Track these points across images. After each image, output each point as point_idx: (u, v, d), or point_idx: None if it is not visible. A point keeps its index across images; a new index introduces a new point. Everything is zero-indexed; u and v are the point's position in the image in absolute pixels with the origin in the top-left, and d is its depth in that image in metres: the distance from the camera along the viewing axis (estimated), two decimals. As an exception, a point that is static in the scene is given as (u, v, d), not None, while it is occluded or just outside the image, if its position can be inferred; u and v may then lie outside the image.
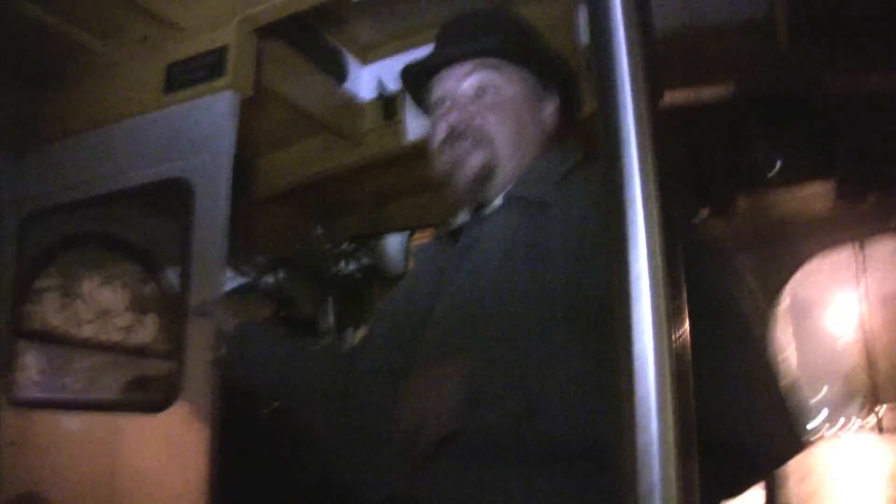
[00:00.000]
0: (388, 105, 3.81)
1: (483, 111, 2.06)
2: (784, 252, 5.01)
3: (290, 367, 2.33)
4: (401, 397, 1.84)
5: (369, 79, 3.86)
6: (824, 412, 5.90)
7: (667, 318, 0.86)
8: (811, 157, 3.96)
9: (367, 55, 3.91)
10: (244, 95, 3.00)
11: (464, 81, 2.10)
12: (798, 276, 5.07)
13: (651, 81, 0.93)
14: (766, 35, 3.35)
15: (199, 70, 3.05)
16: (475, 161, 2.03)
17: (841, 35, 3.36)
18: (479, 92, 2.09)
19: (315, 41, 3.61)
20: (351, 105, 3.83)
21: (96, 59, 3.36)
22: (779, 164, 3.99)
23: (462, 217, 2.16)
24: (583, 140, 2.10)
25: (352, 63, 3.87)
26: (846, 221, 4.60)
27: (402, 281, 2.35)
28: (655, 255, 0.87)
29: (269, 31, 3.17)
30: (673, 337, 0.86)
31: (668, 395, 0.84)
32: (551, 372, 1.69)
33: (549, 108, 2.16)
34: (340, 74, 3.81)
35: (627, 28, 0.94)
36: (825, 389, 6.32)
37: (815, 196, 4.24)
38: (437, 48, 2.22)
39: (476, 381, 1.75)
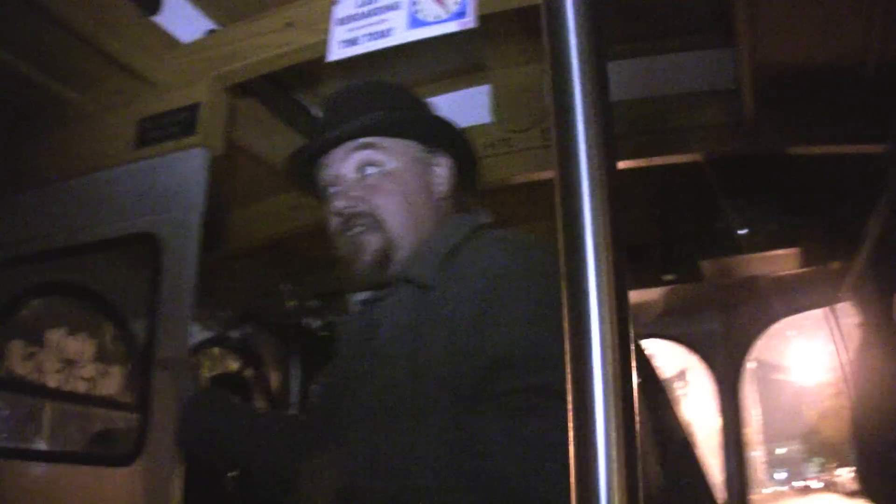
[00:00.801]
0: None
1: (368, 193, 2.06)
2: (750, 315, 5.06)
3: (241, 438, 2.33)
4: (296, 484, 1.88)
5: (299, 147, 3.90)
6: (783, 472, 5.95)
7: (620, 380, 0.88)
8: (778, 223, 4.01)
9: (337, 113, 3.95)
10: (215, 153, 3.01)
11: (344, 164, 2.10)
12: (763, 339, 5.12)
13: (608, 149, 0.95)
14: (733, 103, 3.41)
15: (171, 126, 3.05)
16: (370, 246, 2.04)
17: (806, 103, 3.41)
18: (362, 172, 2.09)
19: (285, 98, 3.63)
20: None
21: (69, 109, 3.36)
22: (746, 231, 4.03)
23: (362, 294, 2.17)
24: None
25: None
26: (812, 286, 4.65)
27: (334, 354, 2.35)
28: (609, 316, 0.89)
29: (242, 89, 3.19)
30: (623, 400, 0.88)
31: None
32: (420, 461, 1.71)
33: (441, 174, 2.15)
34: (310, 132, 3.83)
35: (585, 96, 0.96)
36: (785, 449, 6.38)
37: (781, 261, 4.29)
38: (318, 132, 2.23)
39: (353, 471, 1.80)
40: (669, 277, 4.57)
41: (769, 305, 4.96)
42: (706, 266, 4.30)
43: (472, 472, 1.61)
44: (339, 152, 2.10)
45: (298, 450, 2.19)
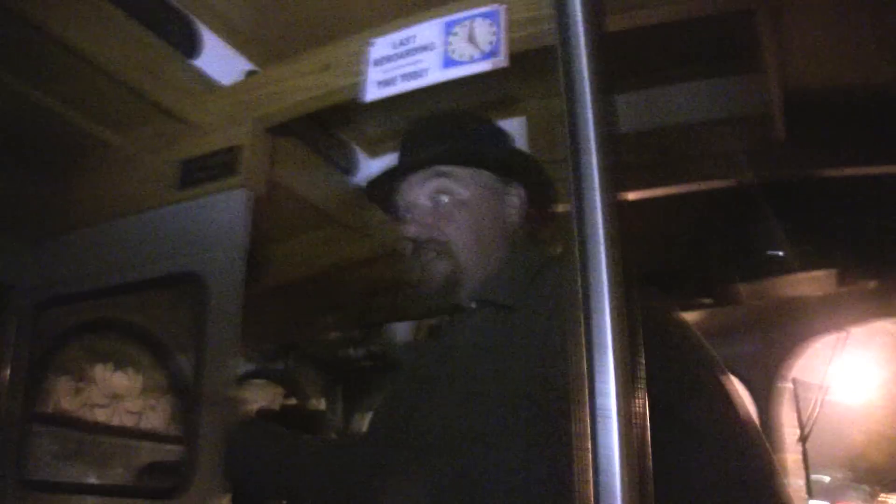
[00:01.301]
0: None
1: (440, 220, 2.09)
2: (785, 336, 5.05)
3: (290, 466, 2.35)
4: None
5: (378, 172, 3.95)
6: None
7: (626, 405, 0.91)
8: (811, 245, 4.02)
9: (376, 149, 4.00)
10: (257, 193, 3.06)
11: (420, 191, 2.14)
12: (801, 360, 5.10)
13: (614, 181, 0.99)
14: (763, 127, 3.43)
15: (213, 168, 3.11)
16: (439, 272, 2.06)
17: (836, 126, 3.43)
18: (436, 200, 2.12)
19: (325, 137, 3.69)
20: (359, 198, 3.89)
21: (112, 152, 3.44)
22: (781, 253, 4.05)
23: (439, 318, 2.19)
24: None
25: (360, 156, 3.95)
26: (850, 304, 4.64)
27: (394, 379, 2.36)
28: (620, 341, 0.93)
29: (282, 128, 3.25)
30: (633, 423, 0.91)
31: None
32: (509, 481, 1.72)
33: (513, 204, 2.17)
34: (350, 168, 3.89)
35: (596, 127, 1.00)
36: (828, 477, 6.28)
37: (815, 282, 4.29)
38: (399, 158, 2.27)
39: (441, 493, 1.80)
40: (706, 301, 4.59)
41: (806, 325, 4.95)
42: (742, 289, 4.31)
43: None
44: (414, 179, 2.16)
45: (350, 475, 2.19)
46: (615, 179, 1.00)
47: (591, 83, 1.04)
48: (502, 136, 2.30)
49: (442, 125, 2.25)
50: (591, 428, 0.93)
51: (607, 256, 0.96)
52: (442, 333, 2.12)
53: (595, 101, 1.03)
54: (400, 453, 2.01)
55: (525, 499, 1.70)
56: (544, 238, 2.21)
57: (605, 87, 1.04)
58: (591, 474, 0.91)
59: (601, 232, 0.97)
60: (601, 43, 1.07)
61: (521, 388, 1.77)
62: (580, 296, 0.96)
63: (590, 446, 0.92)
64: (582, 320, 0.95)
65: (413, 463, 1.93)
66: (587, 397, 0.94)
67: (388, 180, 2.23)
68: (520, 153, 2.24)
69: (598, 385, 0.93)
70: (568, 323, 1.72)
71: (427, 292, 2.08)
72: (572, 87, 1.05)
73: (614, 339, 0.95)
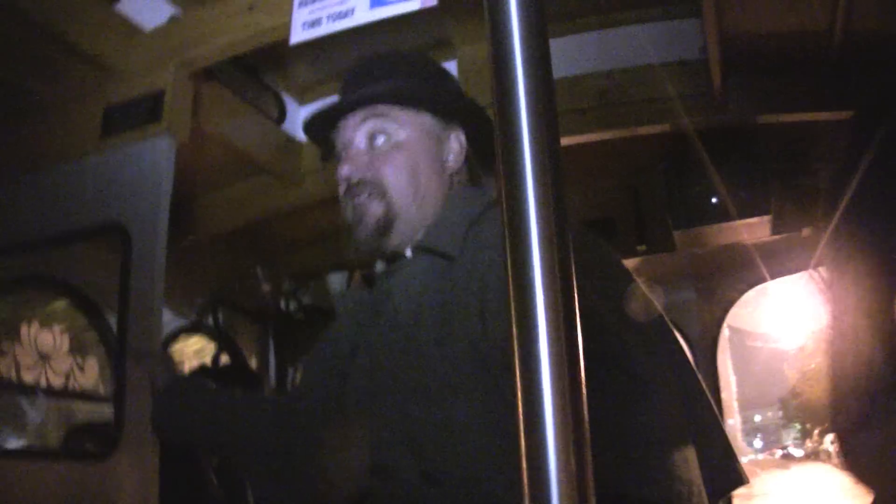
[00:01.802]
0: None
1: (376, 161, 2.02)
2: (723, 284, 5.08)
3: (223, 420, 2.29)
4: (312, 459, 1.85)
5: (316, 109, 3.89)
6: (759, 439, 5.98)
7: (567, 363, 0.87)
8: (746, 193, 4.02)
9: (305, 96, 3.93)
10: (181, 140, 2.99)
11: (357, 131, 2.05)
12: (735, 308, 5.15)
13: (550, 123, 0.94)
14: (701, 74, 3.41)
15: (136, 114, 3.03)
16: (372, 213, 1.98)
17: (774, 73, 3.42)
18: (372, 141, 2.05)
19: (253, 82, 3.61)
20: (289, 146, 3.84)
21: (33, 100, 3.33)
22: (716, 200, 4.05)
23: (378, 266, 2.15)
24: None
25: (290, 104, 3.88)
26: (784, 253, 4.67)
27: (327, 328, 2.33)
28: (551, 297, 0.88)
29: (207, 74, 3.17)
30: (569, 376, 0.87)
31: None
32: (455, 436, 1.70)
33: (453, 149, 2.09)
34: (279, 115, 3.82)
35: (527, 71, 0.95)
36: (760, 416, 6.40)
37: (752, 229, 4.30)
38: (338, 97, 2.20)
39: (380, 446, 1.78)
40: (643, 248, 4.59)
41: (743, 273, 4.98)
42: (679, 236, 4.31)
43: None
44: (352, 119, 2.05)
45: (282, 430, 2.17)
46: (546, 126, 0.94)
47: (520, 25, 0.97)
48: (446, 78, 2.21)
49: (384, 64, 2.17)
50: (520, 376, 0.87)
51: (537, 210, 0.90)
52: (378, 282, 2.07)
53: (523, 44, 0.96)
54: (334, 406, 1.97)
55: (470, 455, 1.67)
56: (486, 184, 2.16)
57: (536, 30, 0.97)
58: (521, 430, 0.86)
59: (530, 185, 0.91)
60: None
61: (461, 341, 1.74)
62: (507, 252, 0.91)
63: (519, 395, 0.86)
64: (510, 277, 0.90)
65: (349, 417, 1.90)
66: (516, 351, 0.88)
67: (327, 119, 2.16)
68: (461, 95, 2.17)
69: (529, 335, 0.88)
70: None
71: (359, 234, 2.03)
72: (499, 30, 0.98)
73: (548, 306, 0.89)
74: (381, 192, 1.99)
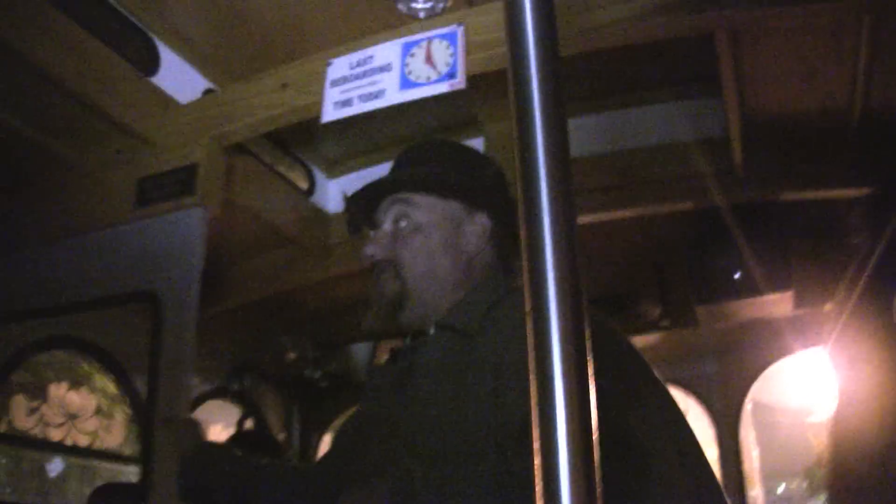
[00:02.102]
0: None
1: (397, 243, 2.10)
2: (745, 358, 5.08)
3: (247, 488, 2.33)
4: None
5: (336, 192, 3.94)
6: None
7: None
8: (768, 268, 4.04)
9: (334, 170, 4.00)
10: (213, 211, 3.05)
11: (385, 214, 2.15)
12: (759, 381, 5.14)
13: (565, 206, 0.98)
14: (721, 151, 3.45)
15: (170, 186, 3.10)
16: (388, 290, 2.06)
17: (794, 151, 3.46)
18: (396, 224, 2.13)
19: (283, 156, 3.69)
20: (318, 218, 3.89)
21: (68, 169, 3.40)
22: (739, 276, 4.07)
23: (406, 342, 2.20)
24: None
25: (319, 176, 3.95)
26: (806, 327, 4.67)
27: (359, 402, 2.38)
28: (570, 374, 0.93)
29: (239, 147, 3.24)
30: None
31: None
32: None
33: (474, 232, 2.14)
34: (308, 188, 3.88)
35: (546, 153, 0.99)
36: (783, 486, 6.34)
37: (774, 304, 4.31)
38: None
39: None
40: (665, 323, 4.61)
41: (765, 347, 4.98)
42: (701, 311, 4.33)
43: None
44: (384, 203, 2.15)
45: (310, 497, 2.22)
46: (566, 204, 0.99)
47: (542, 107, 1.02)
48: (481, 165, 2.27)
49: (422, 152, 2.25)
50: (541, 446, 0.92)
51: (556, 284, 0.95)
52: (402, 357, 2.12)
53: (545, 125, 1.02)
54: (353, 476, 2.03)
55: None
56: (508, 272, 2.20)
57: (557, 112, 1.03)
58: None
59: (550, 260, 0.96)
60: (554, 66, 1.06)
61: (475, 415, 1.78)
62: (530, 322, 0.96)
63: (540, 465, 0.91)
64: (532, 348, 0.95)
65: (366, 487, 1.95)
66: (537, 426, 0.93)
67: (362, 199, 2.24)
68: (496, 181, 2.22)
69: (547, 411, 0.93)
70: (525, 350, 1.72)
71: (374, 309, 2.09)
72: (523, 111, 1.04)
73: (564, 372, 0.94)
74: (397, 272, 2.07)
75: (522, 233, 0.97)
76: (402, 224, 2.12)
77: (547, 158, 0.99)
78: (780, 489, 6.56)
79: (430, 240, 2.10)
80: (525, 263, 0.96)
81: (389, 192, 2.15)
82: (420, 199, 2.13)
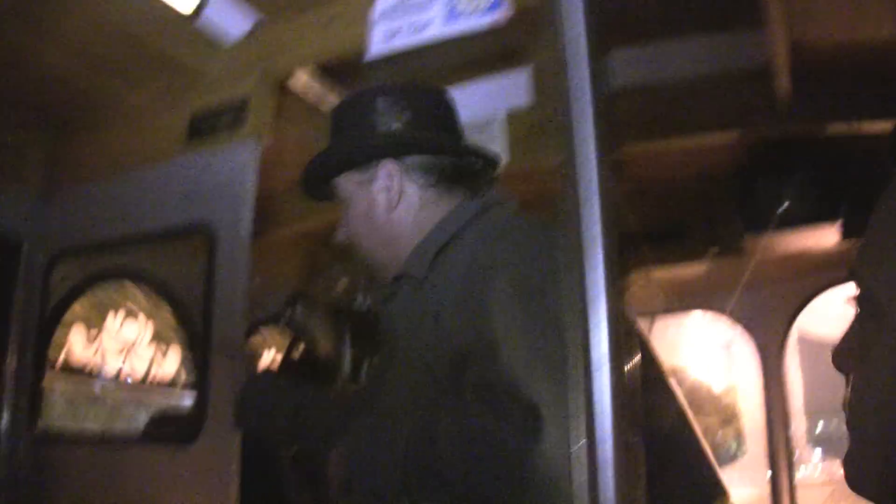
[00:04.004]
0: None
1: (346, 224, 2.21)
2: (792, 289, 5.08)
3: (303, 417, 2.40)
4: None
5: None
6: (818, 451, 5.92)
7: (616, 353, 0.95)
8: (816, 199, 4.03)
9: (381, 102, 4.02)
10: (265, 144, 3.12)
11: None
12: (805, 313, 5.14)
13: (606, 138, 1.01)
14: (768, 82, 3.44)
15: (222, 120, 3.15)
16: (360, 267, 2.34)
17: (842, 82, 3.44)
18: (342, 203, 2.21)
19: (331, 90, 3.71)
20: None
21: (121, 107, 3.47)
22: (787, 205, 4.06)
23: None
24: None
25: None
26: (851, 259, 4.65)
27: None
28: (613, 298, 0.97)
29: (287, 82, 3.27)
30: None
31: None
32: (396, 451, 1.81)
33: (380, 186, 2.12)
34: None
35: (591, 84, 1.02)
36: (821, 424, 6.34)
37: (821, 236, 4.31)
38: None
39: (356, 461, 1.93)
40: (714, 251, 4.61)
41: (811, 279, 4.98)
42: (748, 241, 4.33)
43: (425, 462, 1.75)
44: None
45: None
46: (610, 136, 1.03)
47: (587, 38, 1.06)
48: (366, 109, 2.20)
49: (330, 126, 2.32)
50: (584, 379, 0.96)
51: (602, 214, 0.99)
52: (383, 305, 2.21)
53: (589, 56, 1.05)
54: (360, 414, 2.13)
55: (405, 473, 1.79)
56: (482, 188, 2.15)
57: (600, 43, 1.06)
58: (584, 423, 0.95)
59: (595, 190, 1.00)
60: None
61: (425, 358, 1.89)
62: (575, 253, 1.00)
63: (583, 399, 0.96)
64: (577, 277, 0.99)
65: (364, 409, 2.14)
66: (581, 350, 0.97)
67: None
68: (381, 128, 2.16)
69: (591, 339, 0.97)
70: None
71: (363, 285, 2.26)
72: (566, 44, 1.07)
73: (608, 296, 0.99)
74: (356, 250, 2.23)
75: (567, 168, 1.00)
76: (344, 204, 2.20)
77: (592, 91, 1.03)
78: (819, 428, 6.55)
79: (356, 213, 2.16)
80: (569, 196, 0.99)
81: (318, 181, 2.28)
82: (336, 181, 2.20)
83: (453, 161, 2.15)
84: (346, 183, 2.17)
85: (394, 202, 2.10)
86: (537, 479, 1.58)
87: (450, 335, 1.79)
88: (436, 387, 1.83)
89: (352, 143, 2.21)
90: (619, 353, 0.95)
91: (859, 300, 1.00)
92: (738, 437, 7.10)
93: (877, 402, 0.92)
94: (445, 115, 2.23)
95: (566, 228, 1.01)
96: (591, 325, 0.95)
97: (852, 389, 0.97)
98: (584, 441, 0.94)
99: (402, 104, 2.16)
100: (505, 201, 2.12)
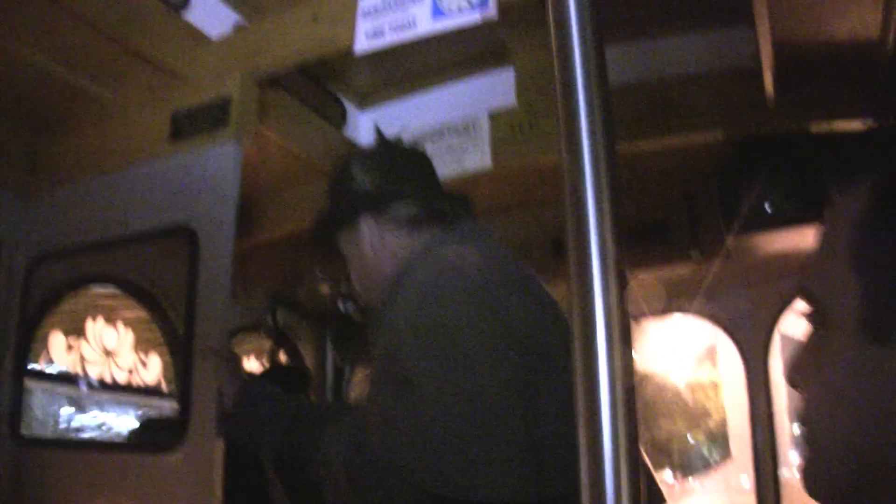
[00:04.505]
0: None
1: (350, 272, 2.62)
2: (775, 290, 5.07)
3: (296, 432, 2.48)
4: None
5: (367, 124, 3.95)
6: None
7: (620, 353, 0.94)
8: (799, 199, 4.03)
9: (365, 101, 4.01)
10: (247, 145, 3.08)
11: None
12: (788, 315, 5.13)
13: (607, 134, 1.00)
14: (753, 81, 3.43)
15: (204, 120, 3.12)
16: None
17: (826, 80, 3.44)
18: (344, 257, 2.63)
19: (315, 89, 3.69)
20: (349, 150, 3.90)
21: (102, 106, 3.42)
22: (769, 206, 4.06)
23: None
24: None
25: (350, 109, 3.96)
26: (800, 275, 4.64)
27: None
28: (612, 297, 0.95)
29: (271, 81, 3.25)
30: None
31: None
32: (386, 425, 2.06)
33: (361, 239, 2.50)
34: (340, 121, 3.89)
35: (586, 80, 1.01)
36: (797, 426, 6.32)
37: (804, 236, 4.30)
38: None
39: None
40: (696, 254, 4.61)
41: (794, 280, 4.97)
42: (731, 243, 4.32)
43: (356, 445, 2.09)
44: None
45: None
46: (608, 133, 1.01)
47: (581, 34, 1.04)
48: (343, 177, 2.59)
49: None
50: (585, 377, 0.95)
51: (598, 211, 0.98)
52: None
53: (585, 52, 1.04)
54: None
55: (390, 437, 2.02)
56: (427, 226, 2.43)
57: (596, 38, 1.05)
58: (584, 421, 0.94)
59: (592, 186, 0.99)
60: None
61: (385, 363, 2.18)
62: (572, 250, 0.98)
63: (583, 407, 0.95)
64: (573, 274, 0.97)
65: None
66: (578, 353, 0.96)
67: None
68: (356, 189, 2.53)
69: (595, 336, 0.95)
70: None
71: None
72: (563, 38, 1.06)
73: (611, 293, 0.97)
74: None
75: (565, 165, 0.99)
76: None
77: (587, 86, 1.01)
78: (797, 429, 6.55)
79: (354, 264, 2.58)
80: (567, 195, 0.98)
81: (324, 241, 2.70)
82: (335, 239, 2.63)
83: (423, 205, 2.46)
84: (343, 241, 2.58)
85: (377, 250, 2.46)
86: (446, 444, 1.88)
87: (396, 347, 2.09)
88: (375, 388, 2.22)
89: (335, 208, 2.59)
90: (622, 351, 0.94)
91: (810, 316, 1.02)
92: (713, 440, 7.09)
93: (831, 415, 0.95)
94: (414, 166, 2.58)
95: (567, 225, 1.00)
96: (595, 324, 0.94)
97: (807, 404, 1.00)
98: (584, 439, 0.93)
99: (372, 164, 2.55)
100: (467, 235, 2.40)
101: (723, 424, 7.00)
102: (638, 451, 0.92)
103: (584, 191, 0.98)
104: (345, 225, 2.53)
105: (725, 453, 6.80)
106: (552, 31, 1.06)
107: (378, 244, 2.44)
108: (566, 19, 1.05)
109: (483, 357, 1.97)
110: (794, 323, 5.27)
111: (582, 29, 1.04)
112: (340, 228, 2.56)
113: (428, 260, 2.25)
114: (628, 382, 0.93)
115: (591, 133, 1.00)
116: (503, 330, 2.02)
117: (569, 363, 0.95)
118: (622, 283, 0.96)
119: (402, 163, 2.56)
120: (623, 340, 0.94)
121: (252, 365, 5.02)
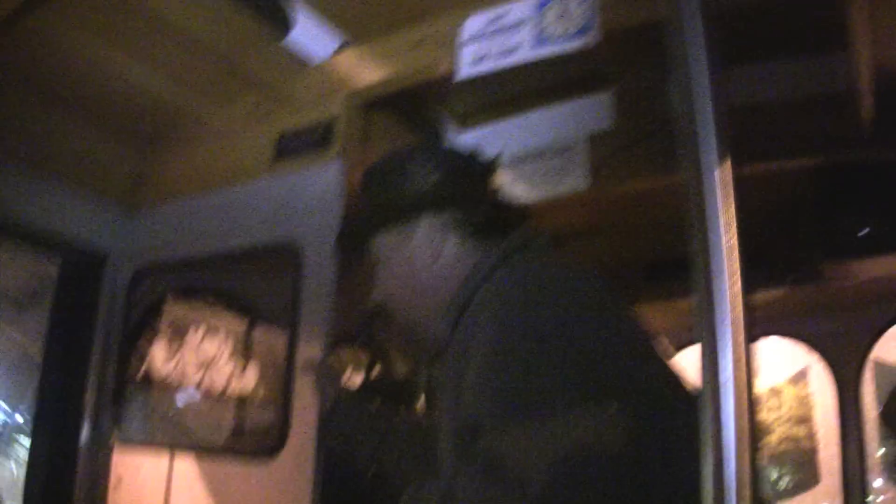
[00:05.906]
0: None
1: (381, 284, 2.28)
2: (868, 316, 5.02)
3: (386, 446, 2.49)
4: None
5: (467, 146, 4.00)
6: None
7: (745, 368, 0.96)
8: (894, 226, 3.99)
9: (465, 122, 4.05)
10: (351, 166, 3.15)
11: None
12: (882, 340, 5.07)
13: (734, 154, 1.03)
14: (850, 107, 3.41)
15: (308, 140, 3.20)
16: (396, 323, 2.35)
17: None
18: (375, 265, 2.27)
19: (417, 112, 3.74)
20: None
21: (208, 124, 3.53)
22: (866, 232, 4.02)
23: None
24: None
25: (450, 131, 4.00)
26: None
27: None
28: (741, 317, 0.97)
29: (373, 104, 3.31)
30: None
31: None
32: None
33: (419, 244, 2.16)
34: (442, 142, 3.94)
35: (712, 100, 1.04)
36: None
37: (898, 263, 4.26)
38: None
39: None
40: (792, 278, 4.58)
41: (888, 306, 4.91)
42: (827, 268, 4.29)
43: None
44: None
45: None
46: (735, 153, 1.05)
47: (707, 57, 1.08)
48: (406, 175, 2.23)
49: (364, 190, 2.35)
50: (712, 402, 0.97)
51: (726, 231, 1.01)
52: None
53: (710, 73, 1.08)
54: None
55: None
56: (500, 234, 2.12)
57: (720, 60, 1.09)
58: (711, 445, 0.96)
59: (720, 207, 1.02)
60: (715, 15, 1.11)
61: (449, 405, 1.85)
62: (700, 271, 1.01)
63: (711, 421, 0.96)
64: (703, 293, 1.00)
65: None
66: (709, 374, 0.98)
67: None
68: (418, 185, 2.19)
69: (720, 362, 0.97)
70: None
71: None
72: (686, 62, 1.09)
73: (733, 314, 1.00)
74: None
75: (689, 188, 1.02)
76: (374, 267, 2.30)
77: (715, 109, 1.05)
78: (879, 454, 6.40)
79: (394, 272, 2.21)
80: (694, 216, 1.00)
81: (355, 241, 2.39)
82: (372, 242, 2.27)
83: (485, 214, 2.17)
84: (383, 244, 2.20)
85: (436, 257, 2.12)
86: None
87: (466, 404, 1.72)
88: (456, 453, 1.79)
89: (389, 203, 2.22)
90: (748, 373, 0.96)
91: None
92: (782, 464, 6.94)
93: None
94: (475, 170, 2.26)
95: (690, 246, 1.02)
96: (719, 347, 0.96)
97: None
98: (711, 465, 0.95)
99: (433, 163, 2.20)
100: (529, 244, 2.09)
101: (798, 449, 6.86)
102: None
103: (704, 213, 1.01)
104: (394, 226, 2.18)
105: (803, 480, 6.66)
106: (677, 54, 1.08)
107: (436, 249, 2.11)
108: (687, 45, 1.08)
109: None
110: (888, 350, 5.21)
111: (703, 55, 1.07)
112: (384, 227, 2.20)
113: (517, 275, 1.90)
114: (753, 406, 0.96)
115: (715, 151, 1.03)
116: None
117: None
118: (749, 304, 0.98)
119: (465, 164, 2.26)
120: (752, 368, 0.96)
121: (349, 378, 5.07)
